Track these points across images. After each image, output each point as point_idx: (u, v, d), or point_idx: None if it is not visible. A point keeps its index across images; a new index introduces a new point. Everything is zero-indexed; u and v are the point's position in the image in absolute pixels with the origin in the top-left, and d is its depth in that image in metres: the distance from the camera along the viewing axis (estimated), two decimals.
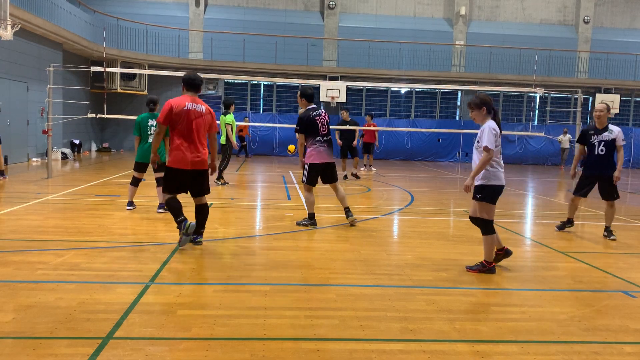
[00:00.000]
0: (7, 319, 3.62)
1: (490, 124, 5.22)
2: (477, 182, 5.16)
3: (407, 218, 8.62)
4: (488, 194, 5.17)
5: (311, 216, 7.48)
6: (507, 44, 24.92)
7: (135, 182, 8.26)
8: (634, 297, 4.71)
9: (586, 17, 26.04)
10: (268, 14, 24.84)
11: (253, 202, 10.02)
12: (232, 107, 11.70)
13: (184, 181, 5.82)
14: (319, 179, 7.59)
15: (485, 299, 4.50)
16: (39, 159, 16.44)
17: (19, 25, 12.85)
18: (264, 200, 10.31)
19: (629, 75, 25.76)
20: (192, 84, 5.91)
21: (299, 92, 7.59)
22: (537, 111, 26.61)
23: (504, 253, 5.50)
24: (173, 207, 5.78)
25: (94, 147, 22.64)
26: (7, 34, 11.81)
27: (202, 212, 6.02)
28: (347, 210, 7.57)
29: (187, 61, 23.33)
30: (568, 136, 22.14)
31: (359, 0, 25.56)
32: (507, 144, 25.03)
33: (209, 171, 6.05)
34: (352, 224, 7.51)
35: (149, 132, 8.15)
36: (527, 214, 9.75)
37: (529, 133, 18.71)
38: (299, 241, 6.51)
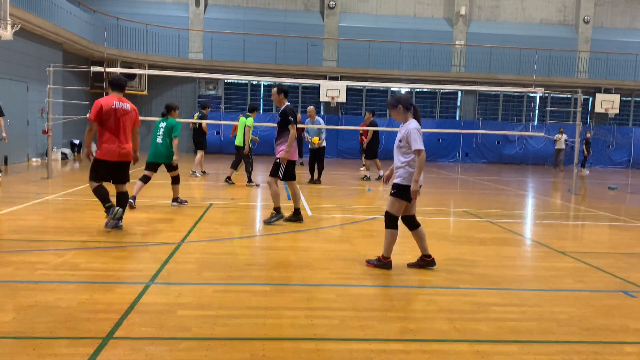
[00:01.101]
0: (7, 319, 3.62)
1: (413, 125, 5.21)
2: (396, 180, 5.27)
3: None
4: (403, 192, 5.22)
5: (278, 210, 7.49)
6: (507, 44, 24.92)
7: (145, 179, 8.83)
8: (634, 297, 4.71)
9: (586, 17, 26.04)
10: (268, 14, 24.84)
11: (253, 202, 10.02)
12: (255, 113, 12.18)
13: (110, 171, 6.63)
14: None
15: (485, 299, 4.50)
16: (39, 159, 16.44)
17: (19, 25, 12.86)
18: (264, 200, 10.30)
19: (629, 75, 25.76)
20: (117, 85, 6.73)
21: (276, 89, 7.49)
22: (537, 111, 26.61)
23: (429, 262, 5.42)
24: (101, 194, 6.55)
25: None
26: (7, 33, 11.81)
27: (122, 199, 6.77)
28: (297, 212, 7.61)
29: (187, 61, 23.34)
30: (564, 136, 21.71)
31: (359, 0, 25.56)
32: (507, 144, 25.05)
33: (132, 162, 6.90)
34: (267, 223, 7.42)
35: (157, 134, 8.89)
36: (527, 214, 9.75)
37: (529, 133, 18.73)
38: (299, 241, 6.51)
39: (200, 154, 13.75)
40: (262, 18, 24.58)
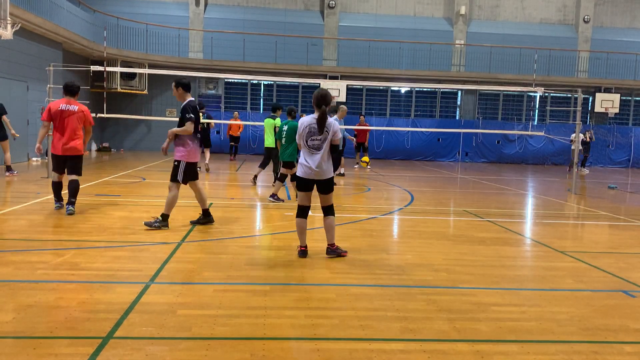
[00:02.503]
0: (7, 319, 3.62)
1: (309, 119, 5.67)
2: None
3: (407, 218, 8.62)
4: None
5: (165, 217, 6.83)
6: (507, 43, 24.92)
7: (282, 178, 9.56)
8: (634, 297, 4.71)
9: (586, 17, 26.03)
10: (268, 14, 24.83)
11: (253, 202, 10.02)
12: (279, 112, 12.47)
13: (59, 163, 7.75)
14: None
15: (485, 299, 4.50)
16: (39, 159, 16.44)
17: (19, 25, 12.85)
18: (264, 200, 10.30)
19: (629, 74, 25.76)
20: (67, 89, 7.75)
21: (174, 83, 6.88)
22: (537, 110, 26.61)
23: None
24: (55, 190, 7.89)
25: (94, 146, 22.64)
26: (7, 33, 11.81)
27: (71, 185, 7.65)
28: (206, 213, 7.18)
29: (187, 60, 23.33)
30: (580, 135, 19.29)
31: (359, 0, 25.56)
32: (507, 143, 25.05)
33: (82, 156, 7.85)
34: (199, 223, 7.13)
35: (282, 136, 9.29)
36: (526, 214, 9.75)
37: (529, 132, 18.73)
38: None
39: (206, 151, 14.99)
40: (262, 18, 24.58)
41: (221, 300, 4.17)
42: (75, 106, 7.64)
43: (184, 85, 6.86)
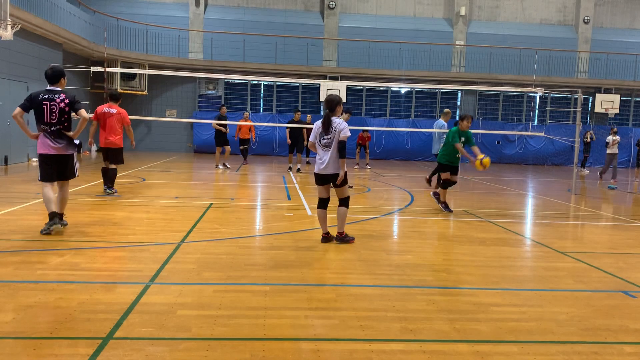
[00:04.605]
0: (7, 319, 3.62)
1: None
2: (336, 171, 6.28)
3: (407, 218, 8.62)
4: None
5: (51, 216, 6.24)
6: (507, 44, 24.93)
7: (445, 184, 9.17)
8: (634, 297, 4.71)
9: (586, 17, 26.04)
10: (268, 14, 24.84)
11: (253, 202, 10.02)
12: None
13: (104, 154, 9.74)
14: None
15: (485, 299, 4.50)
16: (93, 151, 16.49)
17: (19, 25, 12.86)
18: (264, 200, 10.31)
19: (629, 75, 25.76)
20: (110, 96, 9.71)
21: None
22: (537, 111, 26.62)
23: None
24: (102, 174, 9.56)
25: (94, 147, 22.60)
26: (7, 34, 11.81)
27: (110, 172, 9.71)
28: (57, 216, 6.29)
29: (187, 61, 23.34)
30: (618, 137, 16.86)
31: (359, 0, 25.57)
32: (507, 143, 25.04)
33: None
34: (48, 232, 6.16)
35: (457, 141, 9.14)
36: (527, 214, 9.75)
37: (529, 133, 18.74)
38: (299, 241, 6.50)
39: (218, 150, 15.95)
40: (262, 18, 24.59)
41: (221, 301, 4.17)
42: (114, 109, 9.59)
43: (45, 75, 6.47)
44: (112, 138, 9.55)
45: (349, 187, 14.70)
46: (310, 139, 6.44)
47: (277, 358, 3.22)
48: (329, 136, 6.22)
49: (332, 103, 6.23)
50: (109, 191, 9.52)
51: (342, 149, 6.15)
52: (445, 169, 9.19)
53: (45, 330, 3.48)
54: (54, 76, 6.41)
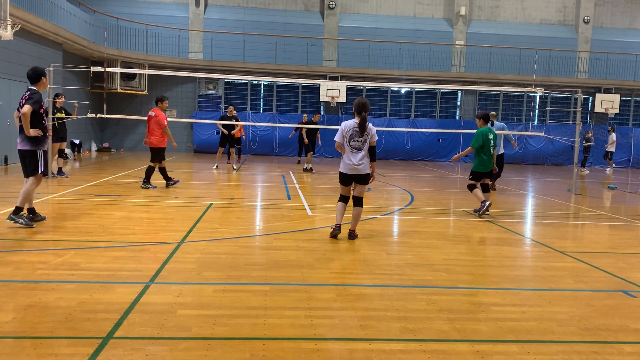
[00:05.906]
0: (7, 319, 3.62)
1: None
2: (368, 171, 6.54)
3: (407, 218, 8.62)
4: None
5: (30, 211, 6.70)
6: (507, 44, 24.92)
7: (472, 187, 8.96)
8: (634, 297, 4.71)
9: (586, 17, 26.04)
10: (268, 14, 24.84)
11: (253, 202, 10.02)
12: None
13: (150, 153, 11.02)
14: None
15: (485, 299, 4.50)
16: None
17: (19, 25, 12.85)
18: (264, 200, 10.31)
19: (629, 75, 25.76)
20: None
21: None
22: (537, 111, 26.61)
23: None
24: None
25: (94, 147, 22.64)
26: (7, 34, 11.81)
27: (147, 169, 10.61)
28: (13, 211, 6.68)
29: (187, 61, 23.33)
30: (613, 135, 18.25)
31: (359, 0, 25.56)
32: (507, 143, 25.02)
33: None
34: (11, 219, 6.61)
35: (490, 145, 8.95)
36: (527, 214, 9.75)
37: (529, 133, 18.73)
38: (299, 241, 6.51)
39: (220, 150, 16.06)
40: (262, 18, 24.58)
41: (221, 300, 4.17)
42: (154, 113, 10.72)
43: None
44: (151, 138, 10.75)
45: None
46: (337, 139, 6.49)
47: (277, 358, 3.22)
48: (361, 139, 6.38)
49: (367, 106, 6.40)
50: (143, 186, 10.60)
51: (374, 153, 6.49)
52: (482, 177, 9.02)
53: (45, 330, 3.48)
54: (35, 76, 6.86)
